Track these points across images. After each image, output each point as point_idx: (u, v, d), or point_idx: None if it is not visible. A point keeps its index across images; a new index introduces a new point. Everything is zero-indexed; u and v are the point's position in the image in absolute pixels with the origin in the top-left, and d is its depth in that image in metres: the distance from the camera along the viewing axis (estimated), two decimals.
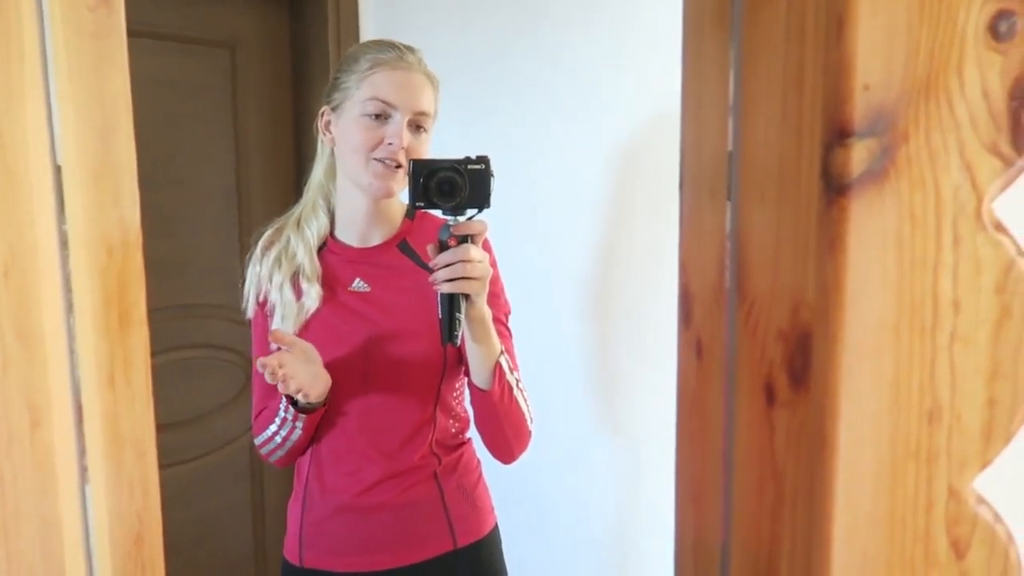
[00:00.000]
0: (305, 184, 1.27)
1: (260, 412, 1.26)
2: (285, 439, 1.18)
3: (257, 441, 1.24)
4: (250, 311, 1.24)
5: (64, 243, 0.45)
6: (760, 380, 0.44)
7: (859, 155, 0.35)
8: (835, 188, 0.36)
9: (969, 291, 0.37)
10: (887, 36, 0.35)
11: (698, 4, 0.53)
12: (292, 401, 1.12)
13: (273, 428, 1.17)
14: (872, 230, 0.36)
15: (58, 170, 0.44)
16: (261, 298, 1.22)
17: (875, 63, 0.35)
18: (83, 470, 0.46)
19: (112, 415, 0.50)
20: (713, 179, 0.51)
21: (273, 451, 1.20)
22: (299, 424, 1.15)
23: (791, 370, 0.40)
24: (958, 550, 0.39)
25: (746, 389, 0.46)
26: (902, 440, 0.38)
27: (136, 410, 0.53)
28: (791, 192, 0.40)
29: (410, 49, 1.16)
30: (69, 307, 0.45)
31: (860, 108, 0.35)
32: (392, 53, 1.14)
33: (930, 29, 0.35)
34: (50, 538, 0.43)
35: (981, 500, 0.38)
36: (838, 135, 0.36)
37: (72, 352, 0.45)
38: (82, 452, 0.46)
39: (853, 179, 0.36)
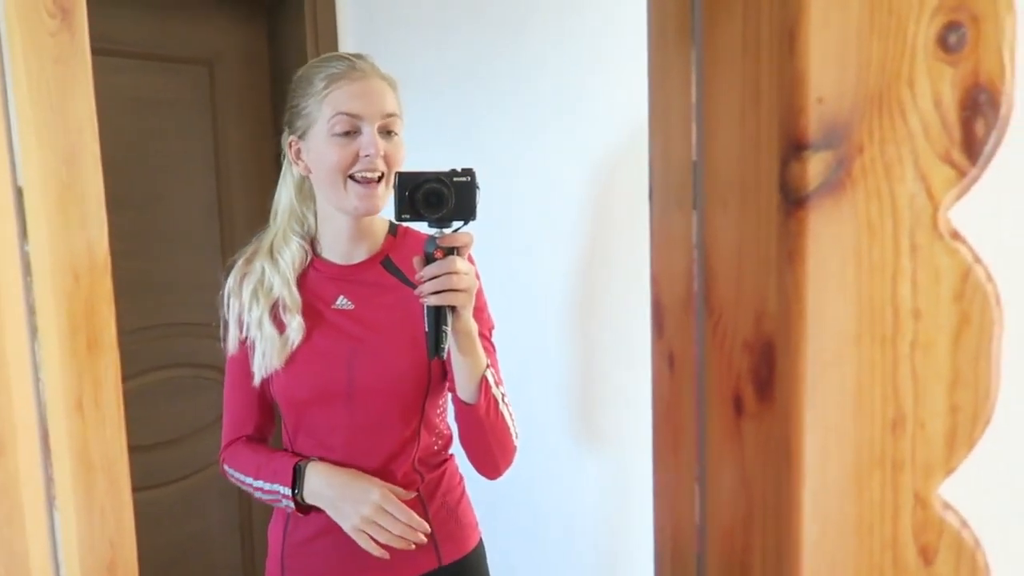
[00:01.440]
0: (271, 209, 1.24)
1: (232, 442, 1.25)
2: (261, 499, 1.20)
3: (229, 471, 1.24)
4: (233, 348, 1.22)
5: (27, 267, 0.44)
6: (729, 391, 0.44)
7: (815, 167, 0.36)
8: (792, 200, 0.36)
9: (928, 299, 0.37)
10: (839, 49, 0.35)
11: (662, 16, 0.53)
12: (294, 486, 1.14)
13: (257, 483, 1.19)
14: (830, 241, 0.36)
15: (19, 193, 0.44)
16: (244, 334, 1.20)
17: (828, 76, 0.35)
18: (51, 498, 0.46)
19: (81, 441, 0.49)
20: (680, 189, 0.52)
21: (244, 490, 1.22)
22: (289, 507, 1.17)
23: (756, 381, 0.41)
24: (926, 557, 0.39)
25: (716, 400, 0.46)
26: (867, 449, 0.38)
27: (107, 435, 0.53)
28: (751, 203, 0.40)
29: (360, 56, 1.15)
30: (34, 332, 0.45)
31: (814, 121, 0.35)
32: (344, 65, 1.12)
33: (881, 41, 0.35)
34: (16, 567, 0.43)
35: (947, 506, 0.39)
36: (794, 148, 0.36)
37: (38, 379, 0.45)
38: (49, 480, 0.45)
39: (810, 191, 0.36)
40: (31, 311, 0.45)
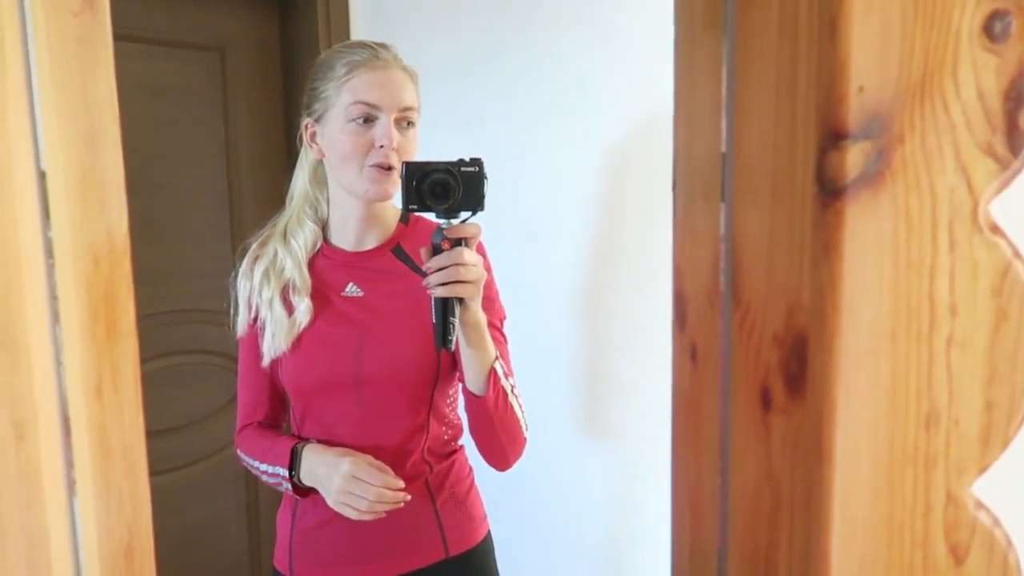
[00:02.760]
0: (287, 192, 1.25)
1: (245, 427, 1.25)
2: (267, 482, 1.21)
3: (240, 455, 1.24)
4: (241, 330, 1.22)
5: (49, 251, 0.44)
6: (756, 385, 0.43)
7: (854, 158, 0.35)
8: (830, 191, 0.36)
9: (966, 294, 0.36)
10: (881, 37, 0.34)
11: (690, 4, 0.53)
12: (291, 467, 1.15)
13: (263, 467, 1.19)
14: (868, 233, 0.36)
15: (42, 176, 0.43)
16: (253, 314, 1.20)
17: (869, 65, 0.34)
18: (71, 483, 0.46)
19: (100, 426, 0.49)
20: (706, 181, 0.51)
21: (252, 476, 1.23)
22: (288, 489, 1.17)
23: (787, 375, 0.40)
24: (957, 556, 0.38)
25: (742, 394, 0.46)
26: (899, 445, 0.37)
27: (125, 420, 0.52)
28: (785, 195, 0.40)
29: (383, 46, 1.15)
30: (55, 317, 0.44)
31: (855, 110, 0.35)
32: (367, 53, 1.12)
33: (924, 30, 0.34)
34: (37, 553, 0.43)
35: (980, 505, 0.38)
36: (833, 138, 0.35)
37: (58, 363, 0.44)
38: (69, 465, 0.45)
39: (848, 182, 0.35)
40: (53, 296, 0.44)
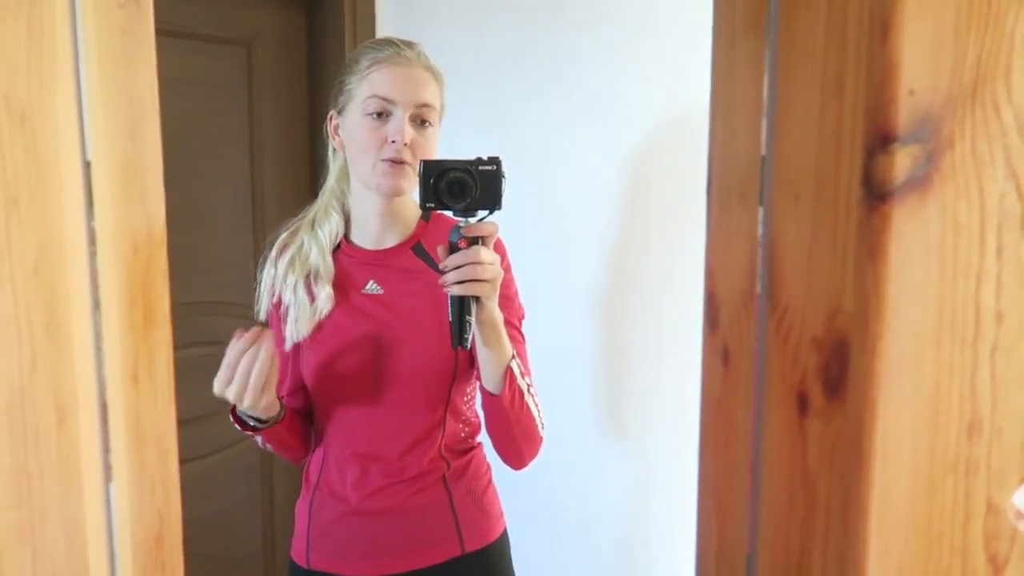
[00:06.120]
0: (320, 187, 1.27)
1: None
2: (263, 446, 1.20)
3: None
4: (263, 313, 1.24)
5: (92, 239, 0.45)
6: (792, 389, 0.43)
7: (902, 162, 0.35)
8: (877, 195, 0.36)
9: (1012, 301, 0.36)
10: (934, 40, 0.34)
11: (730, 6, 0.52)
12: (239, 422, 1.15)
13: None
14: (914, 238, 0.35)
15: (87, 166, 0.44)
16: (275, 299, 1.22)
17: (921, 68, 0.34)
18: (107, 468, 0.46)
19: (135, 413, 0.50)
20: (743, 183, 0.51)
21: (264, 469, 1.24)
22: (258, 439, 1.17)
23: (826, 379, 0.40)
24: (996, 565, 0.38)
25: (777, 398, 0.45)
26: (940, 452, 0.37)
27: (159, 408, 0.53)
28: (828, 198, 0.39)
29: (408, 44, 1.16)
30: (96, 304, 0.45)
31: (904, 114, 0.34)
32: (390, 50, 1.14)
33: (978, 34, 0.34)
34: (74, 536, 0.43)
35: (1021, 515, 0.38)
36: (881, 141, 0.35)
37: (98, 349, 0.45)
38: (106, 450, 0.46)
39: (896, 186, 0.35)
40: (94, 284, 0.45)
